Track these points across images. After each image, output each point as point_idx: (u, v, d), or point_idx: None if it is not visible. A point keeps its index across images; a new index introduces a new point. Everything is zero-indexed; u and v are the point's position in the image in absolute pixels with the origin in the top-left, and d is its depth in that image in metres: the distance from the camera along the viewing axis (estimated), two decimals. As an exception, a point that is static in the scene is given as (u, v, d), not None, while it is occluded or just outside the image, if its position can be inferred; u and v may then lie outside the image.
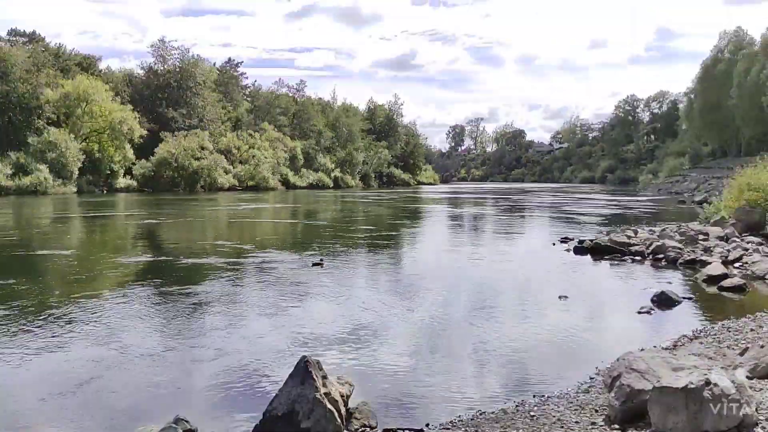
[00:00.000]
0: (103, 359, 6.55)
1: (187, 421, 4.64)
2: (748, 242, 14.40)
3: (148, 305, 9.20)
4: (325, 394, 4.67)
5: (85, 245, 17.57)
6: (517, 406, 5.25)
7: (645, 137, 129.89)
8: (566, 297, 9.71)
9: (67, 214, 30.87)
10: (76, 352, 6.78)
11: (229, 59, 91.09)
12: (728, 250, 13.56)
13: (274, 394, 4.85)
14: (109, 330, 7.70)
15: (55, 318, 8.23)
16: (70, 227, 23.77)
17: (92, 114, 57.56)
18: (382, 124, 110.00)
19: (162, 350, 6.91)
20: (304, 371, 4.73)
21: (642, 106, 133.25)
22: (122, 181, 59.38)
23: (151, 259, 14.20)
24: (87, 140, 56.94)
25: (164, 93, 72.22)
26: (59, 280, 11.59)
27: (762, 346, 5.55)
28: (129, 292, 10.24)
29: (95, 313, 8.60)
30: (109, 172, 58.60)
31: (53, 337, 7.32)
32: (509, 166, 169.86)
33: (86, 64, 66.77)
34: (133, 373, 6.11)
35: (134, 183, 60.14)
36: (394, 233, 21.62)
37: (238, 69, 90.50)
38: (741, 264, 12.44)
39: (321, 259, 13.63)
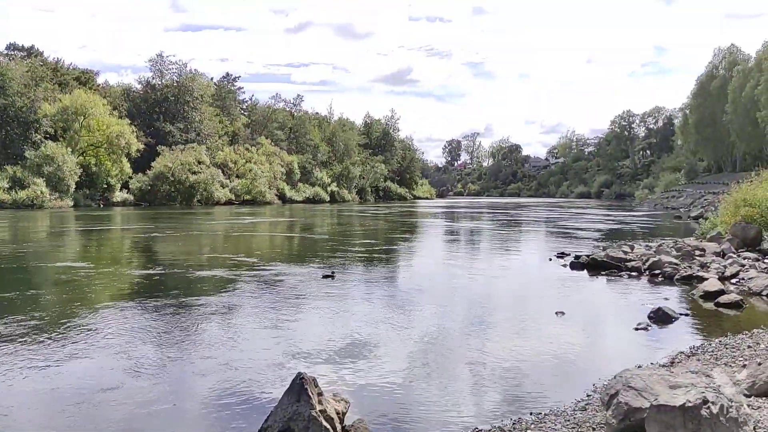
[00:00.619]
0: (99, 373, 6.50)
1: (181, 439, 4.60)
2: (744, 258, 14.43)
3: (147, 319, 9.16)
4: (320, 411, 4.65)
5: (86, 259, 17.50)
6: (513, 423, 5.22)
7: (641, 152, 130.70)
8: (563, 313, 9.70)
9: (67, 227, 30.81)
10: (71, 366, 6.74)
11: (227, 74, 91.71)
12: (725, 266, 13.58)
13: (269, 411, 4.82)
14: (107, 344, 7.66)
15: (52, 331, 8.18)
16: (70, 241, 23.70)
17: (90, 128, 57.78)
18: (378, 139, 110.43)
19: (159, 365, 6.86)
20: (299, 388, 4.71)
21: (638, 121, 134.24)
22: (119, 195, 59.43)
23: (152, 272, 14.15)
24: (84, 154, 57.05)
25: (162, 107, 72.52)
26: (59, 294, 11.52)
27: (759, 364, 5.54)
28: (130, 305, 10.18)
29: (93, 326, 8.55)
30: (105, 186, 58.67)
31: (49, 350, 7.27)
32: (505, 181, 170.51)
33: (84, 79, 67.10)
34: (129, 388, 6.07)
35: (131, 197, 60.18)
36: (393, 247, 21.61)
37: (236, 83, 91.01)
38: (737, 280, 12.45)
39: (332, 272, 13.77)
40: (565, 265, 15.49)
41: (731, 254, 14.99)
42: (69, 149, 54.10)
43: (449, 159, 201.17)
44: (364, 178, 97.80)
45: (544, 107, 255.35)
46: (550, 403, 5.76)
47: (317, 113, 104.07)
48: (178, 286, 12.31)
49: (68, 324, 8.76)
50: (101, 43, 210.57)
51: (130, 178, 61.13)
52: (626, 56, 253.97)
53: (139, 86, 75.89)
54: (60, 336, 8.06)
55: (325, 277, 13.24)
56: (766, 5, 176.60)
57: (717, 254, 15.38)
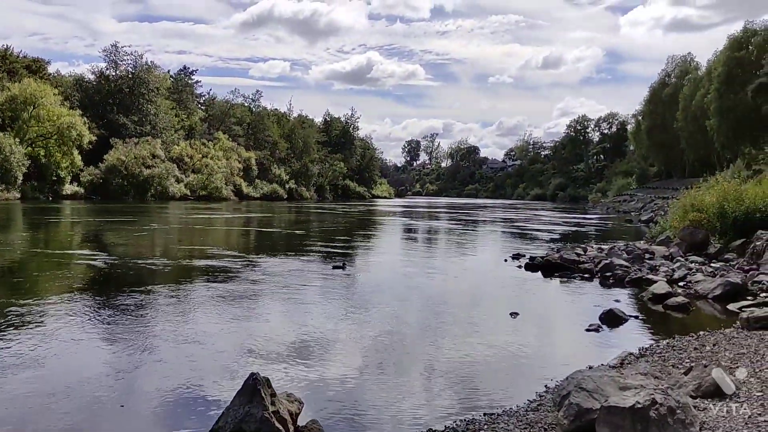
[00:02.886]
0: (45, 373, 6.29)
1: (128, 441, 4.47)
2: (691, 262, 14.83)
3: (98, 317, 8.89)
4: (273, 412, 4.58)
5: (40, 252, 16.94)
6: (467, 423, 5.23)
7: (594, 157, 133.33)
8: (517, 314, 9.80)
9: (14, 220, 29.79)
10: (16, 365, 6.49)
11: (184, 67, 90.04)
12: (673, 270, 13.93)
13: (221, 412, 4.73)
14: (57, 342, 7.40)
15: (-9, 330, 7.88)
16: (20, 235, 22.91)
17: (39, 118, 55.77)
18: (337, 137, 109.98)
19: (108, 366, 6.67)
20: (252, 389, 4.64)
21: (592, 126, 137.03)
22: (69, 188, 57.62)
23: (104, 266, 13.77)
24: (33, 145, 55.15)
25: (115, 99, 70.66)
26: (8, 289, 11.13)
27: (705, 366, 5.68)
28: (80, 302, 9.86)
29: (43, 323, 8.27)
30: (55, 179, 56.85)
31: (-11, 350, 7.00)
32: (463, 182, 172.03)
33: (35, 67, 64.78)
34: (76, 390, 5.88)
35: (81, 190, 58.48)
36: (354, 245, 21.52)
37: (193, 77, 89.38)
38: (685, 283, 12.78)
39: (343, 264, 14.84)
40: (520, 267, 15.67)
41: (679, 258, 15.40)
42: (17, 139, 52.23)
43: (408, 159, 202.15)
44: (322, 176, 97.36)
45: (502, 110, 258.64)
46: (503, 403, 5.80)
47: (276, 109, 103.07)
48: (130, 282, 11.99)
49: (16, 321, 8.45)
50: (53, 31, 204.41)
51: (81, 170, 59.37)
52: (582, 62, 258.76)
53: (92, 76, 73.69)
54: (6, 334, 7.76)
55: (336, 268, 14.41)
56: (717, 16, 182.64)
57: (666, 257, 15.77)
